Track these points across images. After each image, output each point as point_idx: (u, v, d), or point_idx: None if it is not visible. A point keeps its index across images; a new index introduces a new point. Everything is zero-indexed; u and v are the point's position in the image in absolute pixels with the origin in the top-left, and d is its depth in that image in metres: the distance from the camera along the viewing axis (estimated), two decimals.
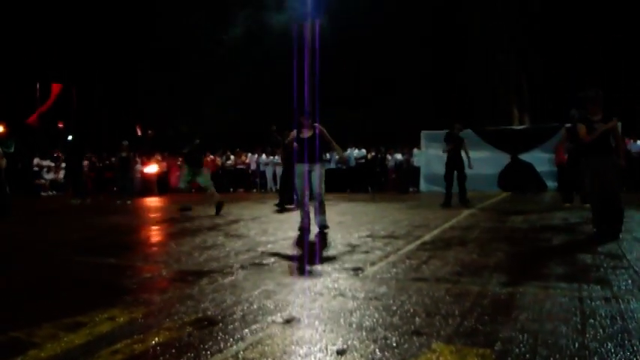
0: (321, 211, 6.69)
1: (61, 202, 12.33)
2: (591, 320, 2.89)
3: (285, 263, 4.74)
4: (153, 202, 14.08)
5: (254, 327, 2.87)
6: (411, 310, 3.12)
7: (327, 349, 2.53)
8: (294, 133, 6.81)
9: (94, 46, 25.42)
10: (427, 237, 6.18)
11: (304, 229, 6.66)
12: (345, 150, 17.34)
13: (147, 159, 18.16)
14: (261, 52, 23.19)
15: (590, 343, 2.55)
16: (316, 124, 6.65)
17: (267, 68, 22.89)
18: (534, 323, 2.85)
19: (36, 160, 18.57)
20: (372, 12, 20.99)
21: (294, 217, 7.81)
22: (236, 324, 2.94)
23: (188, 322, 2.98)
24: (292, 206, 10.18)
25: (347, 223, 7.69)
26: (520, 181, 14.28)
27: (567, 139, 9.24)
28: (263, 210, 10.36)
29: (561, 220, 7.55)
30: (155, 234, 7.58)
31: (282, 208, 10.29)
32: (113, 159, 18.28)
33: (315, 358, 2.44)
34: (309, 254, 5.29)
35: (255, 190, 18.42)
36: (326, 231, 6.62)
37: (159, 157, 18.45)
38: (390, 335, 2.69)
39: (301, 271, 4.42)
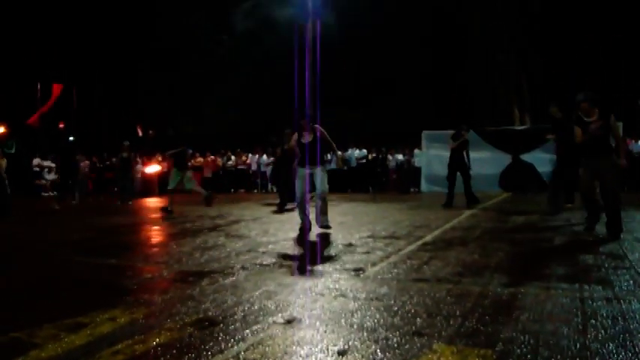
0: (323, 210, 6.70)
1: (62, 202, 12.32)
2: (593, 321, 2.88)
3: (286, 264, 4.74)
4: (154, 202, 14.08)
5: (255, 327, 2.87)
6: (412, 311, 3.12)
7: (328, 349, 2.53)
8: (295, 136, 6.80)
9: (94, 46, 25.42)
10: (428, 237, 6.17)
11: (305, 230, 6.67)
12: (346, 150, 17.36)
13: (147, 159, 18.15)
14: (262, 52, 23.18)
15: (592, 343, 2.55)
16: (316, 126, 6.64)
17: (267, 68, 22.89)
18: (535, 324, 2.85)
19: (37, 161, 18.57)
20: (373, 12, 20.98)
21: (294, 218, 7.80)
22: (237, 324, 2.93)
23: (189, 323, 2.98)
24: (293, 205, 10.20)
25: (348, 223, 7.68)
26: (521, 181, 14.27)
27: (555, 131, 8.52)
28: (264, 210, 10.36)
29: (562, 221, 7.54)
30: (156, 234, 7.58)
31: (281, 209, 10.30)
32: (114, 159, 18.27)
33: (316, 358, 2.44)
34: (310, 255, 5.29)
35: (256, 191, 18.42)
36: (328, 231, 6.62)
37: (159, 158, 18.44)
38: (391, 336, 2.69)
39: (302, 272, 4.42)
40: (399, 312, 3.11)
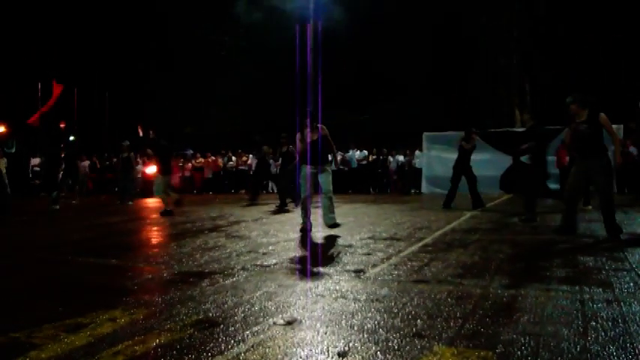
0: (330, 209, 6.70)
1: (62, 202, 12.32)
2: (593, 323, 2.88)
3: (287, 265, 4.73)
4: (154, 202, 14.07)
5: (255, 329, 2.87)
6: (413, 313, 3.12)
7: (328, 351, 2.53)
8: (299, 135, 6.79)
9: (95, 47, 25.46)
10: (429, 239, 6.17)
11: (306, 231, 6.66)
12: (347, 151, 17.36)
13: (148, 159, 18.13)
14: (263, 53, 23.20)
15: (592, 346, 2.54)
16: (319, 125, 6.65)
17: (268, 69, 22.91)
18: (536, 326, 2.85)
19: (37, 161, 18.55)
20: (375, 13, 21.00)
21: (295, 219, 7.81)
22: (237, 325, 2.93)
23: (189, 324, 2.98)
24: (293, 205, 10.22)
25: (348, 224, 7.68)
26: (522, 183, 14.23)
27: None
28: (264, 211, 10.36)
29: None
30: (156, 235, 7.58)
31: (281, 210, 10.31)
32: (114, 159, 18.27)
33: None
34: (311, 256, 5.29)
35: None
36: (328, 232, 6.62)
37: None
38: (391, 337, 2.69)
39: (303, 273, 4.42)
40: (400, 313, 3.10)
